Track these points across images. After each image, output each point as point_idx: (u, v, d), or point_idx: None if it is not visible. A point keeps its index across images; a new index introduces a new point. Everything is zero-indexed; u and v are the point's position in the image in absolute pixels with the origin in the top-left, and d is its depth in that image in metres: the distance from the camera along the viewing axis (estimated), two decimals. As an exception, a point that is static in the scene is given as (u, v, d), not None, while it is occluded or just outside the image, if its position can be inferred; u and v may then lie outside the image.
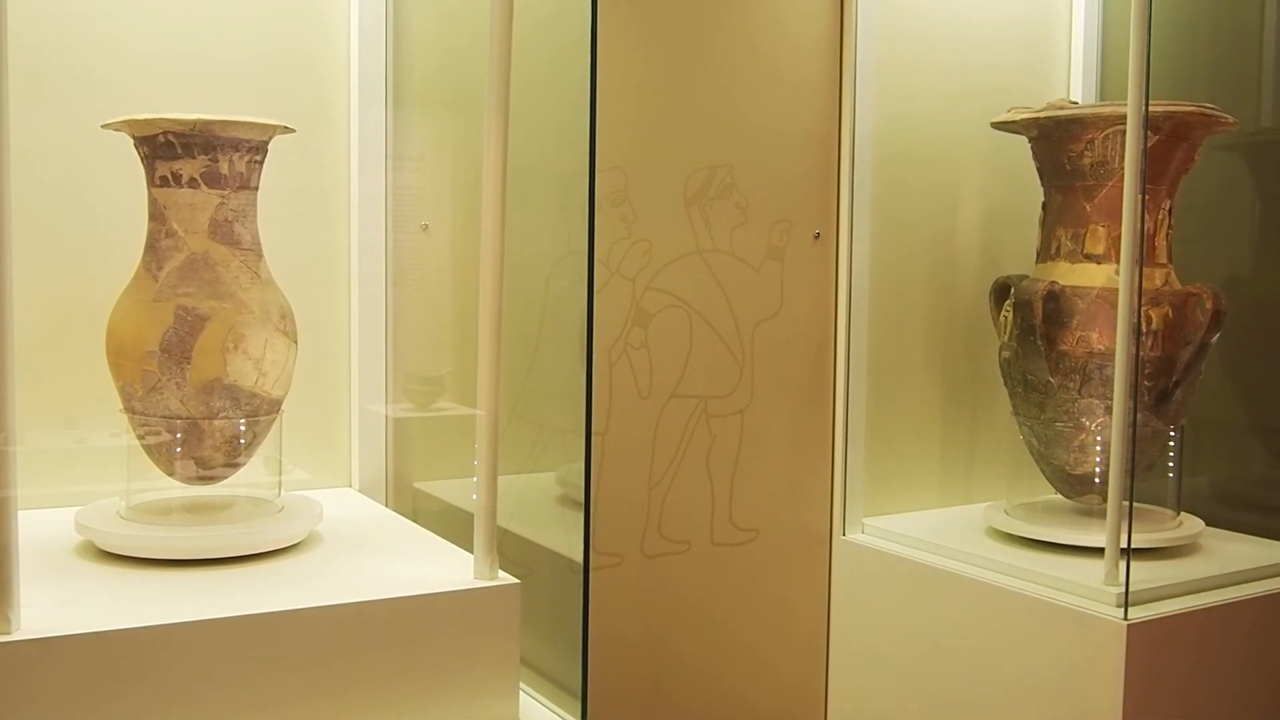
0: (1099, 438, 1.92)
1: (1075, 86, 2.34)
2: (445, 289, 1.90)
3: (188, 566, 1.41)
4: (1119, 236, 1.89)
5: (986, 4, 2.25)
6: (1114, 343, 1.86)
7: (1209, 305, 1.88)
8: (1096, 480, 1.93)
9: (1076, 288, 1.93)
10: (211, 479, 1.52)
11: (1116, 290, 1.86)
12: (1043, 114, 1.97)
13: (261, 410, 1.50)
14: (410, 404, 1.89)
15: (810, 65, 2.08)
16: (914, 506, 2.23)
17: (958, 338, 2.24)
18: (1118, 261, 1.89)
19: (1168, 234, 1.92)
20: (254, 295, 1.49)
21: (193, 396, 1.45)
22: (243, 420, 1.48)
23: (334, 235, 1.86)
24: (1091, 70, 2.34)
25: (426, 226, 1.87)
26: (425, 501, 1.85)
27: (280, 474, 1.60)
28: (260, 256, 1.53)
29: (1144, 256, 1.88)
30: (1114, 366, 1.86)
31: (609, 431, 1.93)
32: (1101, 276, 1.92)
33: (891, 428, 2.20)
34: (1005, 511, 2.05)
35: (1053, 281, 1.95)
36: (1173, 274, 1.92)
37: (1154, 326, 1.87)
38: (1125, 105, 1.89)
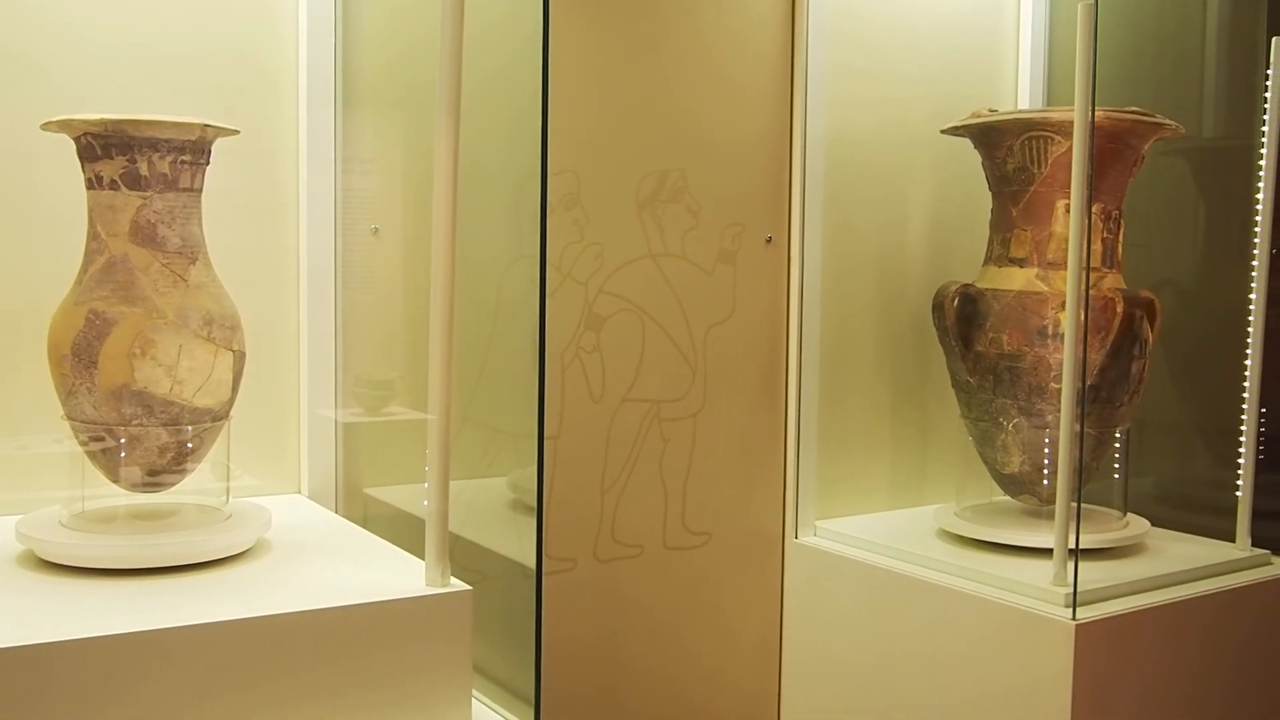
0: (1015, 438, 1.96)
1: (1024, 94, 2.37)
2: (396, 293, 1.89)
3: (132, 576, 1.38)
4: (1040, 240, 1.94)
5: (937, 13, 2.27)
6: (1022, 345, 1.91)
7: (1118, 309, 1.90)
8: (1044, 481, 1.95)
9: (996, 290, 1.98)
10: (156, 486, 1.49)
11: (1032, 294, 1.92)
12: (963, 122, 2.01)
13: (184, 419, 1.45)
14: (360, 409, 1.87)
15: (762, 70, 2.09)
16: (866, 509, 2.24)
17: (909, 341, 2.26)
18: (1039, 265, 1.94)
19: (1104, 239, 1.93)
20: (172, 300, 1.44)
21: (103, 402, 1.42)
22: (163, 429, 1.44)
23: (282, 238, 1.84)
24: (1039, 78, 2.37)
25: (377, 230, 1.86)
26: (376, 507, 1.84)
27: (228, 480, 1.58)
28: (192, 260, 1.48)
29: (1067, 261, 1.92)
30: (1024, 367, 1.91)
31: (561, 436, 1.93)
32: (1021, 280, 1.96)
33: (843, 431, 2.21)
34: (955, 513, 2.07)
35: (966, 284, 2.01)
36: (1110, 278, 1.93)
37: (1060, 329, 1.90)
38: (1037, 112, 1.96)
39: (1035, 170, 1.94)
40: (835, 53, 2.13)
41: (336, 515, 1.78)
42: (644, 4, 1.97)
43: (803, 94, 2.10)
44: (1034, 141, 1.93)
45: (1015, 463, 1.97)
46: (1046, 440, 1.92)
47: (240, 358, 1.52)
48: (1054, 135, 1.91)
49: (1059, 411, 1.89)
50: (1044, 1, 2.37)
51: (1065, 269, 1.90)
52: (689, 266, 2.04)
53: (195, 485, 1.54)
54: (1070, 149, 1.89)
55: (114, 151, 1.43)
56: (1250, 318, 2.03)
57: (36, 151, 1.59)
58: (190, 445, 1.48)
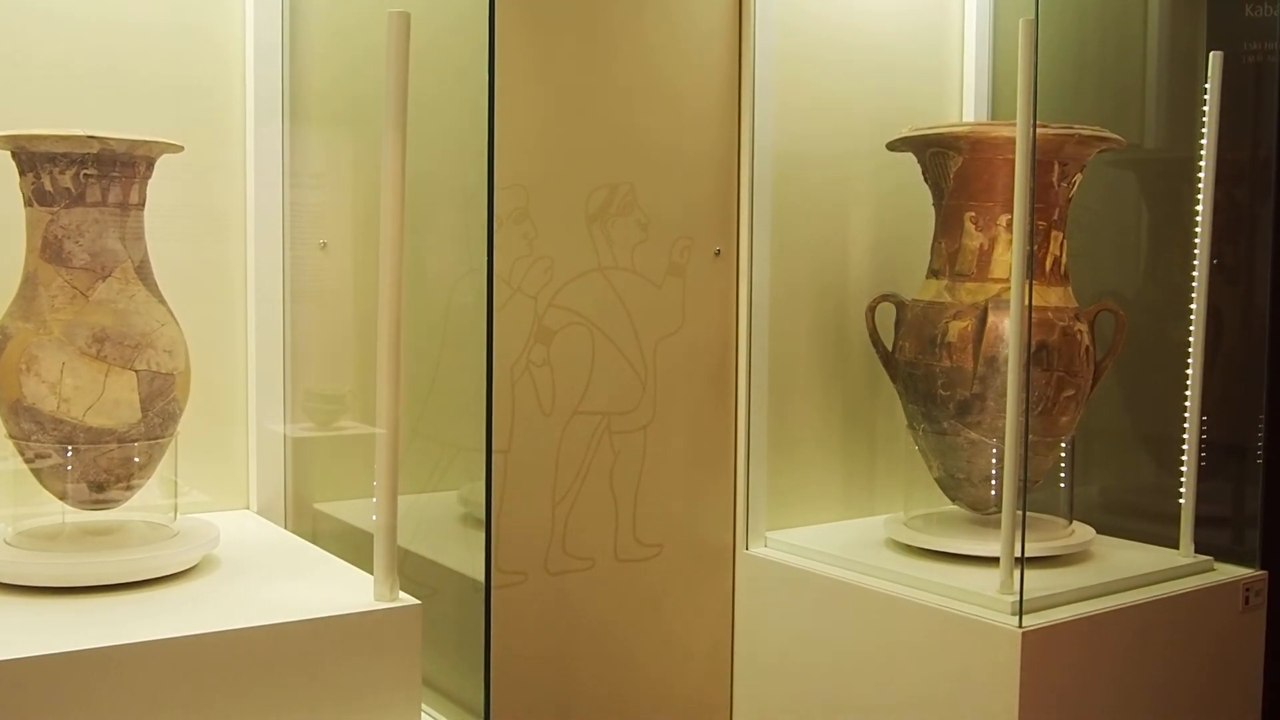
0: (926, 444, 2.00)
1: (969, 108, 2.40)
2: (345, 307, 1.88)
3: (79, 594, 1.37)
4: (952, 253, 1.98)
5: (883, 29, 2.30)
6: (918, 353, 1.97)
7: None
8: (963, 487, 1.98)
9: (914, 301, 2.03)
10: (101, 503, 1.48)
11: (936, 304, 1.98)
12: (891, 140, 2.07)
13: (78, 439, 1.41)
14: (309, 423, 1.86)
15: (710, 84, 2.10)
16: (816, 520, 2.25)
17: (858, 352, 2.27)
18: (948, 277, 1.98)
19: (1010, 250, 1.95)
20: (64, 316, 1.41)
21: (8, 417, 1.42)
22: (54, 447, 1.42)
23: (230, 252, 1.83)
24: (984, 92, 2.41)
25: (325, 244, 1.85)
26: (325, 523, 1.83)
27: (175, 497, 1.56)
28: (102, 276, 1.43)
29: (974, 272, 1.96)
30: (919, 375, 1.96)
31: (512, 449, 1.93)
32: (933, 290, 2.00)
33: (793, 442, 2.22)
34: (904, 523, 2.08)
35: (886, 295, 2.08)
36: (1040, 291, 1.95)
37: (948, 339, 1.92)
38: (935, 128, 1.99)
39: (944, 185, 1.98)
40: (782, 67, 2.15)
41: (285, 531, 1.77)
42: (591, 18, 1.98)
43: (750, 108, 2.12)
44: (937, 157, 1.97)
45: (935, 468, 2.01)
46: (948, 447, 1.96)
47: (152, 378, 1.45)
48: (948, 151, 1.94)
49: (951, 419, 1.93)
50: (988, 16, 2.41)
51: (971, 280, 1.95)
52: (638, 279, 2.05)
53: (142, 502, 1.53)
54: (965, 163, 1.94)
55: (24, 168, 1.43)
56: (1192, 326, 2.06)
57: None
58: (136, 461, 1.46)
